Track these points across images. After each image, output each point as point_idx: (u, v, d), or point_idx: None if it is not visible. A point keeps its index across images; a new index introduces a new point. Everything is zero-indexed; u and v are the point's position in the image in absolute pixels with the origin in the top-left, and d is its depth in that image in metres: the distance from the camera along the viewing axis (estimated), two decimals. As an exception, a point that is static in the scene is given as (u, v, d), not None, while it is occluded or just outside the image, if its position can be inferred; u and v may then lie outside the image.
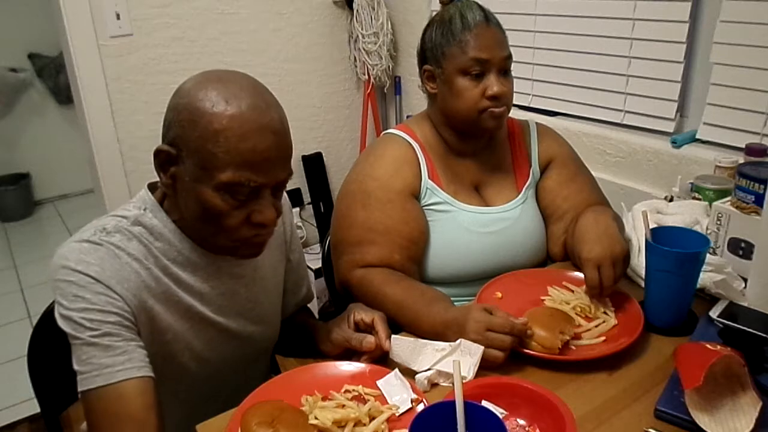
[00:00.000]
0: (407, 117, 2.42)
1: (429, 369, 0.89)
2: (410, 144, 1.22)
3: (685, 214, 1.18)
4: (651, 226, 1.00)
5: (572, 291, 1.09)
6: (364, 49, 2.45)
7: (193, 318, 0.94)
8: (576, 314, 1.02)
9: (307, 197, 2.64)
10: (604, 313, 1.02)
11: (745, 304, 1.01)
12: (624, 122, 1.73)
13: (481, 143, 1.26)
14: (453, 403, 0.68)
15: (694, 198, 1.28)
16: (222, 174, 0.80)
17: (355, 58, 2.54)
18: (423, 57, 1.22)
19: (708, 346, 0.83)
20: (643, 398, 0.85)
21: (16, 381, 2.19)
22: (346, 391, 0.86)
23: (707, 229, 1.14)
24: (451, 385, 0.87)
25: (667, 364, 0.90)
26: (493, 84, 1.13)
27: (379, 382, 0.87)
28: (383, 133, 1.30)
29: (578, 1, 1.76)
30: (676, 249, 0.95)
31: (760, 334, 0.93)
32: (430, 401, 0.81)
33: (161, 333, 0.90)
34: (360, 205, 1.18)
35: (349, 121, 2.68)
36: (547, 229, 1.29)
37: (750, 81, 1.41)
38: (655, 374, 0.90)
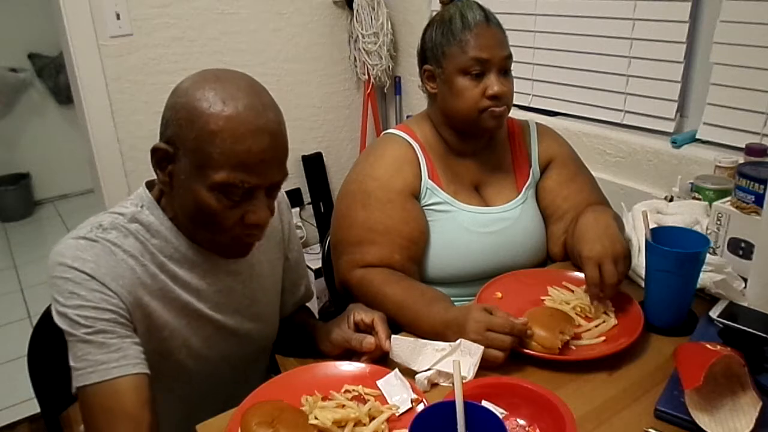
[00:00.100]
0: (407, 117, 2.42)
1: (429, 369, 0.89)
2: (410, 144, 1.22)
3: (685, 214, 1.18)
4: (651, 226, 1.00)
5: (572, 291, 1.09)
6: (364, 49, 2.45)
7: (190, 315, 0.94)
8: (576, 314, 1.02)
9: (307, 197, 2.64)
10: (604, 313, 1.02)
11: (745, 304, 1.01)
12: (624, 122, 1.73)
13: (481, 143, 1.26)
14: (453, 403, 0.68)
15: (694, 198, 1.28)
16: (216, 174, 0.81)
17: (355, 58, 2.54)
18: (423, 57, 1.22)
19: (708, 346, 0.83)
20: (643, 398, 0.85)
21: (16, 381, 2.19)
22: (346, 391, 0.86)
23: (707, 229, 1.14)
24: (451, 385, 0.87)
25: (667, 364, 0.90)
26: (493, 84, 1.13)
27: (379, 382, 0.87)
28: (383, 133, 1.30)
29: (578, 1, 1.76)
30: (676, 249, 0.95)
31: (760, 334, 0.93)
32: (430, 401, 0.81)
33: (158, 330, 0.91)
34: (360, 205, 1.18)
35: (349, 121, 2.68)
36: (547, 229, 1.29)
37: (750, 81, 1.41)
38: (655, 374, 0.90)
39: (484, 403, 0.79)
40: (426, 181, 1.20)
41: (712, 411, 0.77)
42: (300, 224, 2.63)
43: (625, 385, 0.88)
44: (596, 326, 1.00)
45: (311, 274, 2.35)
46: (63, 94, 3.78)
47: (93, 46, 2.01)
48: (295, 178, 2.58)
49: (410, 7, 2.39)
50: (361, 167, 1.22)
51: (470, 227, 1.20)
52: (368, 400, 0.84)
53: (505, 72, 1.16)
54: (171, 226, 0.91)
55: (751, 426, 0.74)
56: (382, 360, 0.94)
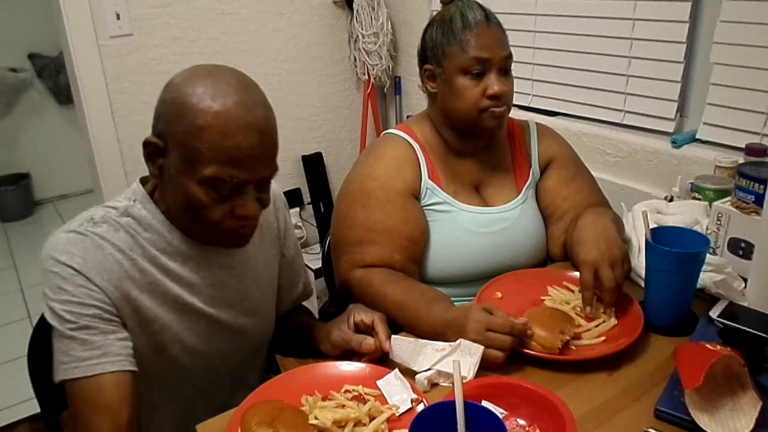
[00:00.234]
0: (407, 117, 2.42)
1: (429, 369, 0.89)
2: (410, 144, 1.22)
3: (685, 214, 1.18)
4: (651, 226, 1.00)
5: (572, 291, 1.09)
6: (364, 49, 2.45)
7: (182, 309, 0.94)
8: (576, 314, 1.02)
9: (307, 197, 2.64)
10: (604, 313, 1.02)
11: (745, 304, 1.01)
12: (624, 122, 1.73)
13: (481, 143, 1.26)
14: (453, 403, 0.68)
15: (694, 198, 1.28)
16: (205, 169, 0.82)
17: (355, 58, 2.54)
18: (423, 56, 1.22)
19: (708, 346, 0.83)
20: (643, 398, 0.85)
21: (16, 381, 2.19)
22: (346, 391, 0.86)
23: (707, 229, 1.14)
24: (451, 385, 0.87)
25: (667, 364, 0.90)
26: (493, 83, 1.13)
27: (379, 382, 0.87)
28: (383, 133, 1.30)
29: (578, 1, 1.76)
30: (676, 249, 0.95)
31: (760, 334, 0.93)
32: (430, 401, 0.81)
33: (148, 324, 0.91)
34: (360, 205, 1.18)
35: (349, 121, 2.68)
36: (547, 229, 1.29)
37: (750, 81, 1.41)
38: (655, 374, 0.90)
39: (484, 403, 0.79)
40: (426, 181, 1.20)
41: (712, 411, 0.77)
42: (300, 224, 2.63)
43: (625, 385, 0.88)
44: (596, 326, 0.99)
45: (311, 274, 2.35)
46: (63, 94, 3.77)
47: (93, 46, 2.01)
48: (295, 178, 2.58)
49: (410, 7, 2.39)
50: (361, 167, 1.22)
51: (470, 227, 1.20)
52: (368, 400, 0.84)
53: (505, 72, 1.16)
54: (163, 220, 0.92)
55: (751, 426, 0.74)
56: (382, 360, 0.94)
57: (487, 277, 1.13)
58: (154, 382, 0.96)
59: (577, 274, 1.06)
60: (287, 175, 2.54)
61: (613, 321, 1.00)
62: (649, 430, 0.78)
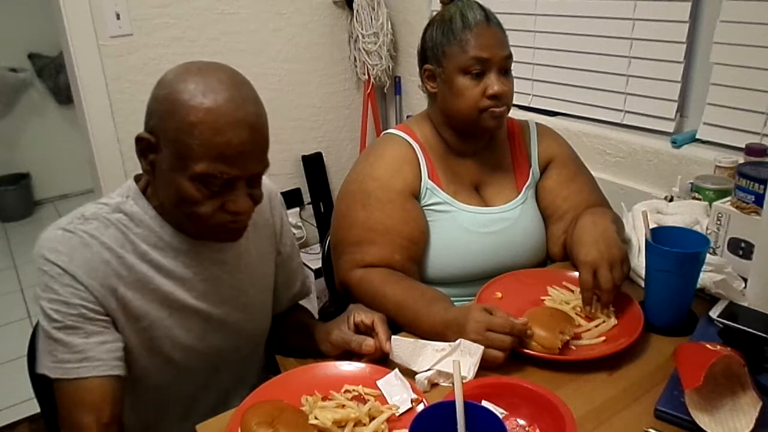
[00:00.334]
0: (407, 117, 2.42)
1: (429, 369, 0.89)
2: (410, 144, 1.22)
3: (685, 214, 1.18)
4: (651, 226, 1.00)
5: (572, 291, 1.09)
6: (364, 49, 2.45)
7: (173, 305, 0.95)
8: (576, 314, 1.02)
9: (307, 197, 2.64)
10: (602, 312, 1.02)
11: (745, 304, 1.01)
12: (624, 122, 1.73)
13: (481, 143, 1.26)
14: (453, 403, 0.68)
15: (694, 198, 1.28)
16: (196, 165, 0.82)
17: (355, 58, 2.54)
18: (423, 56, 1.22)
19: (708, 346, 0.83)
20: (643, 398, 0.85)
21: (16, 381, 2.18)
22: (346, 391, 0.86)
23: (707, 229, 1.14)
24: (451, 385, 0.87)
25: (667, 364, 0.90)
26: (493, 83, 1.13)
27: (379, 382, 0.87)
28: (383, 133, 1.30)
29: (578, 1, 1.76)
30: (676, 249, 0.95)
31: (760, 334, 0.93)
32: (430, 401, 0.81)
33: (136, 320, 0.92)
34: (360, 205, 1.18)
35: (349, 121, 2.68)
36: (547, 230, 1.29)
37: (750, 81, 1.41)
38: (655, 374, 0.90)
39: (484, 403, 0.79)
40: (426, 181, 1.20)
41: (712, 411, 0.77)
42: (300, 224, 2.63)
43: (625, 385, 0.88)
44: (596, 326, 0.99)
45: (311, 274, 2.35)
46: (63, 94, 3.77)
47: (93, 46, 2.01)
48: (295, 178, 2.58)
49: (410, 7, 2.39)
50: (361, 167, 1.22)
51: (470, 227, 1.20)
52: (368, 400, 0.84)
53: (505, 72, 1.16)
54: (155, 215, 0.93)
55: (751, 426, 0.74)
56: (382, 360, 0.94)
57: (487, 277, 1.13)
58: (150, 381, 0.96)
59: (576, 274, 1.06)
60: (287, 175, 2.53)
61: (613, 321, 1.00)
62: (649, 430, 0.78)
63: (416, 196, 1.20)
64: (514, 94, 1.20)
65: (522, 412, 0.80)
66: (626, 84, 1.70)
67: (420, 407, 0.82)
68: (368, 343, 0.94)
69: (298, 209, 2.62)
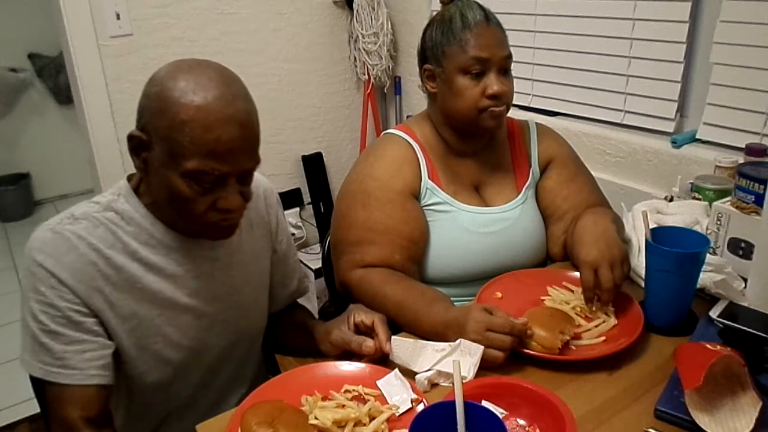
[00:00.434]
0: (407, 117, 2.42)
1: (429, 369, 0.89)
2: (410, 144, 1.22)
3: (685, 214, 1.18)
4: (651, 226, 1.00)
5: (572, 291, 1.09)
6: (364, 49, 2.45)
7: (163, 304, 0.95)
8: (576, 314, 1.02)
9: (307, 197, 2.64)
10: (604, 313, 1.02)
11: (745, 304, 1.01)
12: (624, 122, 1.73)
13: (481, 143, 1.26)
14: (453, 403, 0.68)
15: (694, 198, 1.28)
16: (188, 162, 0.82)
17: (355, 58, 2.54)
18: (423, 56, 1.22)
19: (708, 346, 0.83)
20: (643, 398, 0.85)
21: (16, 381, 2.19)
22: (346, 391, 0.86)
23: (707, 229, 1.14)
24: (451, 385, 0.87)
25: (667, 364, 0.90)
26: (493, 83, 1.13)
27: (379, 382, 0.87)
28: (383, 133, 1.30)
29: (578, 1, 1.76)
30: (676, 249, 0.95)
31: (760, 334, 0.93)
32: (430, 401, 0.81)
33: (124, 320, 0.92)
34: (360, 205, 1.18)
35: (349, 121, 2.68)
36: (547, 230, 1.29)
37: (750, 81, 1.41)
38: (655, 374, 0.90)
39: (484, 403, 0.79)
40: (426, 181, 1.20)
41: (712, 411, 0.77)
42: (300, 224, 2.62)
43: (625, 385, 0.88)
44: (596, 326, 0.99)
45: (311, 274, 2.35)
46: (63, 94, 3.77)
47: (93, 46, 2.01)
48: (295, 178, 2.58)
49: (410, 7, 2.39)
50: (361, 167, 1.22)
51: (470, 227, 1.20)
52: (368, 400, 0.84)
53: (504, 72, 1.16)
54: (146, 213, 0.93)
55: (751, 426, 0.74)
56: (382, 360, 0.94)
57: (487, 277, 1.13)
58: (146, 381, 0.96)
59: (577, 274, 1.06)
60: (287, 175, 2.54)
61: (613, 321, 1.00)
62: (649, 430, 0.78)
63: (416, 196, 1.20)
64: (514, 94, 1.20)
65: (522, 412, 0.80)
66: (626, 84, 1.70)
67: (420, 407, 0.82)
68: (368, 344, 0.94)
69: (298, 209, 2.62)
